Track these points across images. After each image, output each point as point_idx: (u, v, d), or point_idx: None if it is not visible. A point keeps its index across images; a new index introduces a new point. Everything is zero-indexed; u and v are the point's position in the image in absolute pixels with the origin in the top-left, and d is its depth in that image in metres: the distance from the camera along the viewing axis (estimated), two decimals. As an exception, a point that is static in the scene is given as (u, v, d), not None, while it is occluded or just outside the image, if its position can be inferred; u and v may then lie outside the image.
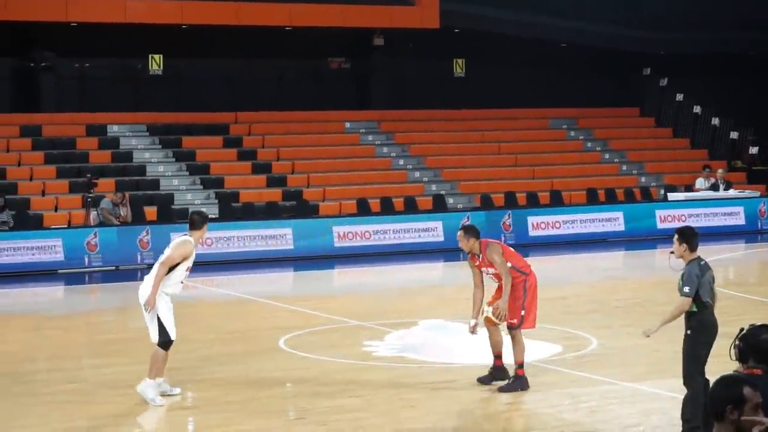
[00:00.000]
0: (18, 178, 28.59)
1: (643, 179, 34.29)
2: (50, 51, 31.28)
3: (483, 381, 12.70)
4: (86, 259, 24.68)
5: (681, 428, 10.21)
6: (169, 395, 12.30)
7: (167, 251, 12.21)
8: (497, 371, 12.69)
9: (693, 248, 10.30)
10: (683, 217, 29.29)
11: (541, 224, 28.75)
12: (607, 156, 35.43)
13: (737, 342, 6.75)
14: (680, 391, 10.35)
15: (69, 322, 19.21)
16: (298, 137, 32.50)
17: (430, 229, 27.40)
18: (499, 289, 12.55)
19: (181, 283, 12.32)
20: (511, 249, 12.90)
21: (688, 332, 10.28)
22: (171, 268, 12.10)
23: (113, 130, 31.25)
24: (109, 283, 23.96)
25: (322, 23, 32.45)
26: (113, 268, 24.88)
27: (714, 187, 31.39)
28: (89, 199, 25.80)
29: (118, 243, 25.02)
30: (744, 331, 6.79)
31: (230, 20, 31.38)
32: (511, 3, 35.31)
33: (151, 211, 27.28)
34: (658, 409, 11.71)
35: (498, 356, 12.72)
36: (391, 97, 35.30)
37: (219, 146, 31.67)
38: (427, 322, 16.71)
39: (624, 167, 34.95)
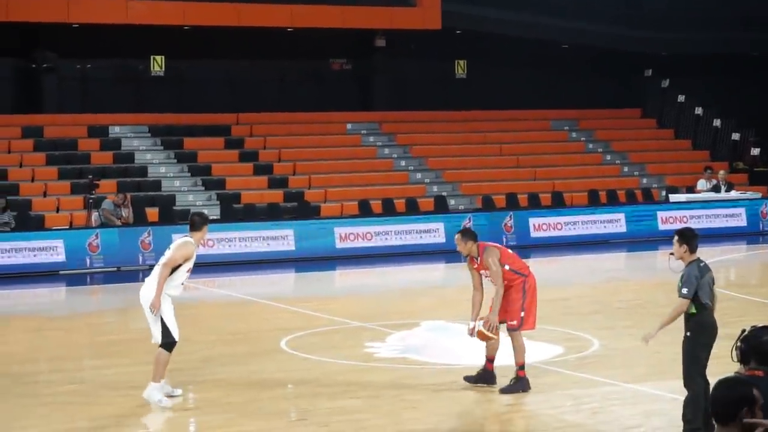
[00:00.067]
0: (20, 179, 28.60)
1: (644, 180, 34.28)
2: (52, 52, 31.29)
3: (468, 380, 12.67)
4: (88, 260, 24.69)
5: (682, 429, 10.21)
6: (170, 396, 12.30)
7: (168, 253, 12.20)
8: (486, 374, 12.62)
9: (693, 250, 10.29)
10: (685, 219, 29.29)
11: (542, 225, 28.74)
12: (608, 157, 35.42)
13: (739, 343, 6.74)
14: (681, 393, 10.35)
15: (70, 323, 19.22)
16: (299, 138, 32.51)
17: (432, 231, 27.40)
18: (501, 292, 12.56)
19: (182, 284, 12.33)
20: (509, 251, 12.88)
21: (688, 334, 10.27)
22: (173, 270, 12.10)
23: (115, 131, 31.26)
24: (110, 284, 23.96)
25: (324, 24, 32.46)
26: (115, 269, 24.88)
27: (715, 189, 31.38)
28: (91, 200, 25.80)
29: (120, 244, 25.03)
30: (745, 333, 6.79)
31: (232, 21, 31.40)
32: (512, 4, 35.31)
33: (152, 213, 27.29)
34: (659, 410, 11.71)
35: (490, 360, 12.65)
36: (392, 99, 35.31)
37: (220, 147, 31.67)
38: (429, 324, 16.71)
39: (625, 168, 34.94)
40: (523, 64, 36.18)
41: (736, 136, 37.40)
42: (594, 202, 31.22)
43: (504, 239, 27.27)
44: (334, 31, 33.04)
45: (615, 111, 37.58)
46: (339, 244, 26.71)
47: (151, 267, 12.76)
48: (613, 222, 29.35)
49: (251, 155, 31.48)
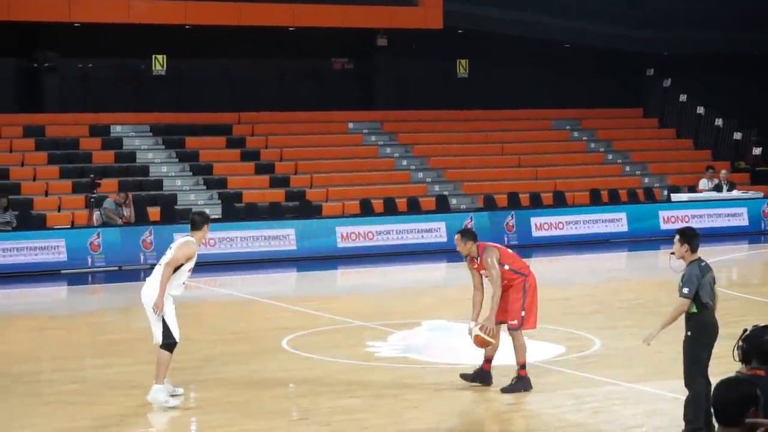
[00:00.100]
0: (21, 178, 28.60)
1: (646, 180, 34.27)
2: (53, 51, 31.29)
3: (464, 378, 12.67)
4: (89, 260, 24.70)
5: (683, 429, 10.21)
6: (172, 395, 12.30)
7: (170, 253, 12.19)
8: (483, 374, 12.62)
9: (694, 249, 10.28)
10: (686, 218, 29.29)
11: (544, 225, 28.74)
12: (610, 157, 35.42)
13: (740, 343, 6.75)
14: (682, 392, 10.35)
15: (72, 322, 19.23)
16: (301, 138, 32.50)
17: (433, 230, 27.40)
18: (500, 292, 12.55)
19: (184, 284, 12.33)
20: (509, 251, 12.87)
21: (688, 333, 10.27)
22: (174, 270, 12.10)
23: (116, 130, 31.27)
24: (112, 284, 23.97)
25: (325, 23, 32.46)
26: (116, 268, 24.89)
27: (717, 188, 31.38)
28: (92, 200, 25.81)
29: (121, 243, 25.03)
30: (747, 332, 6.79)
31: (233, 20, 31.40)
32: (514, 4, 35.30)
33: (154, 212, 27.28)
34: (660, 409, 11.71)
35: (488, 360, 12.65)
36: (394, 98, 35.31)
37: (222, 147, 31.68)
38: (430, 323, 16.69)
39: (627, 168, 34.94)
40: (525, 64, 36.17)
41: (737, 135, 37.39)
42: (596, 201, 31.21)
43: (505, 239, 27.28)
44: (336, 30, 33.04)
45: (617, 110, 37.57)
46: (340, 244, 26.71)
47: (153, 266, 12.75)
48: (615, 221, 29.35)
49: (253, 154, 31.48)
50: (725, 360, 7.91)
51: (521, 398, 12.24)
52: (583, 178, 33.29)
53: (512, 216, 28.45)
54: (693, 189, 32.12)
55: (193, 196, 29.55)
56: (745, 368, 6.61)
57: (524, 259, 13.16)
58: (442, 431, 11.28)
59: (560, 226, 28.87)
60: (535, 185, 32.19)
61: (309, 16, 32.04)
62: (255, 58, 33.90)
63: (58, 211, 27.60)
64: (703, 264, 10.25)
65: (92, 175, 26.65)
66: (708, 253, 10.59)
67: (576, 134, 36.21)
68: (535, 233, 28.52)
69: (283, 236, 26.24)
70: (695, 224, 27.91)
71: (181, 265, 12.10)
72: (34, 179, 28.83)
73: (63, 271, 24.44)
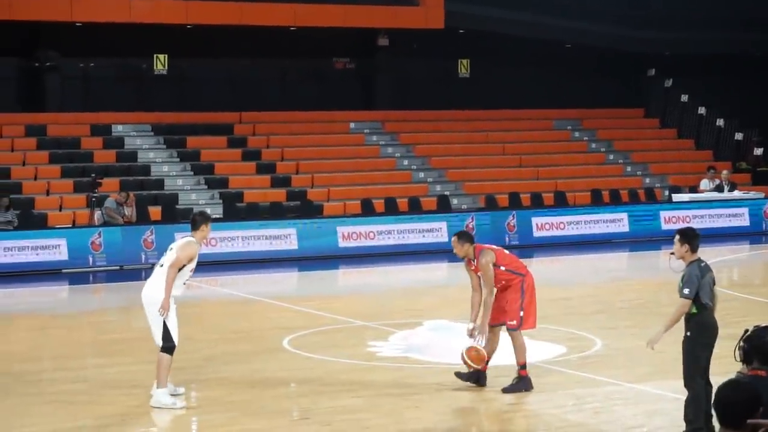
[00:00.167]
0: (22, 178, 28.62)
1: (647, 180, 34.27)
2: (55, 51, 31.30)
3: (459, 376, 12.67)
4: (90, 259, 24.70)
5: (684, 429, 10.21)
6: (172, 395, 12.30)
7: (172, 254, 12.16)
8: (478, 374, 12.60)
9: (694, 249, 10.29)
10: (687, 219, 29.28)
11: (545, 225, 28.73)
12: (611, 157, 35.42)
13: (741, 343, 6.76)
14: (683, 393, 10.35)
15: (73, 321, 19.25)
16: (302, 137, 32.51)
17: (435, 230, 27.39)
18: (498, 293, 12.55)
19: (185, 284, 12.33)
20: (506, 251, 12.86)
21: (688, 334, 10.26)
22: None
23: (118, 129, 31.28)
24: (113, 283, 23.98)
25: (327, 23, 32.47)
26: (117, 267, 24.90)
27: (718, 189, 31.37)
28: (93, 199, 25.82)
29: (123, 243, 25.04)
30: (748, 333, 6.80)
31: (235, 20, 31.41)
32: (515, 4, 35.30)
33: (155, 211, 27.30)
34: (661, 410, 11.72)
35: (485, 362, 12.66)
36: (395, 98, 35.31)
37: (223, 146, 31.69)
38: (432, 323, 16.71)
39: (628, 168, 34.93)
40: (526, 64, 36.17)
41: (739, 136, 37.38)
42: (597, 201, 31.21)
43: (507, 239, 27.28)
44: (337, 30, 33.04)
45: (618, 111, 37.56)
46: (342, 243, 26.72)
47: (154, 266, 12.75)
48: (616, 222, 29.34)
49: (254, 154, 31.49)
50: (726, 360, 7.92)
51: (522, 398, 12.24)
52: (585, 178, 33.29)
53: (513, 216, 28.45)
54: (694, 189, 32.10)
55: (194, 195, 29.56)
56: (746, 369, 6.62)
57: (525, 260, 13.17)
58: (442, 431, 11.28)
59: (561, 226, 28.87)
60: (537, 185, 32.19)
61: (310, 15, 32.05)
62: (256, 58, 33.91)
63: (60, 210, 27.61)
64: (702, 264, 10.25)
65: (93, 175, 26.66)
66: (709, 253, 10.62)
67: (577, 134, 36.21)
68: (537, 233, 28.52)
69: (284, 236, 26.24)
70: (696, 225, 27.92)
71: (184, 265, 12.10)
72: (36, 178, 28.85)
73: (64, 271, 24.45)
